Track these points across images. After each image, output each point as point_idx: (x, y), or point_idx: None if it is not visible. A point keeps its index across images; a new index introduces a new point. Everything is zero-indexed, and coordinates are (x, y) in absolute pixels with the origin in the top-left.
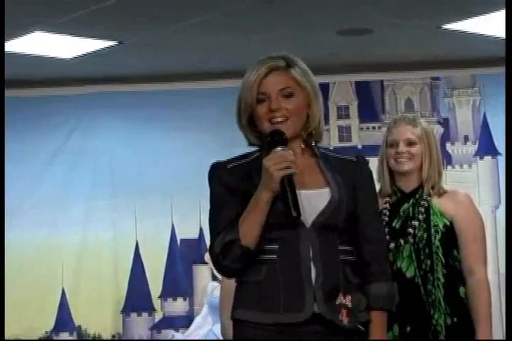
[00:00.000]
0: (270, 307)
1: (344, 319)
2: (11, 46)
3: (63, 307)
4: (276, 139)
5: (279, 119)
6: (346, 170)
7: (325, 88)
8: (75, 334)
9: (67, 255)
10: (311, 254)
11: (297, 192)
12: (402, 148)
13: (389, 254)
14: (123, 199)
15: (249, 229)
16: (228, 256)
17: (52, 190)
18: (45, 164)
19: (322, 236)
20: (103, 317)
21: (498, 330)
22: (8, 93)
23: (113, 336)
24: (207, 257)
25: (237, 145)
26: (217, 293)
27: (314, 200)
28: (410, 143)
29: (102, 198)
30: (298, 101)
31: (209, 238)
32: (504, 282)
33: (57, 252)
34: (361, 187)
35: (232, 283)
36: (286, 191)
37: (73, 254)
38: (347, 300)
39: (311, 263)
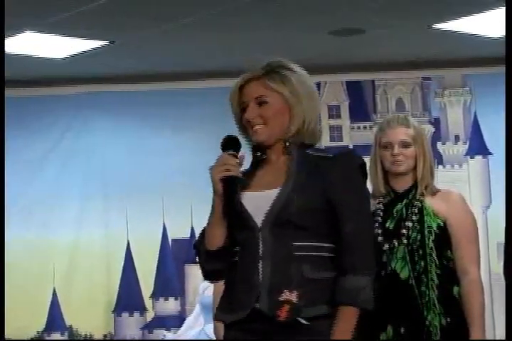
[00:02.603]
0: (230, 306)
1: (282, 314)
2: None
3: (55, 307)
4: (226, 144)
5: (257, 127)
6: (319, 167)
7: (316, 88)
8: (66, 334)
9: (59, 255)
10: (260, 253)
11: (243, 193)
12: (397, 150)
13: (382, 255)
14: (115, 199)
15: (208, 231)
16: (199, 257)
17: (44, 190)
18: (37, 164)
19: (275, 235)
20: (94, 317)
21: (489, 330)
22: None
23: (104, 336)
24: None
25: None
26: (209, 292)
27: (260, 201)
28: (405, 145)
29: (93, 198)
30: (273, 107)
31: None
32: (495, 282)
33: (48, 252)
34: (336, 183)
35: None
36: (227, 193)
37: (65, 254)
38: (293, 296)
39: (260, 262)
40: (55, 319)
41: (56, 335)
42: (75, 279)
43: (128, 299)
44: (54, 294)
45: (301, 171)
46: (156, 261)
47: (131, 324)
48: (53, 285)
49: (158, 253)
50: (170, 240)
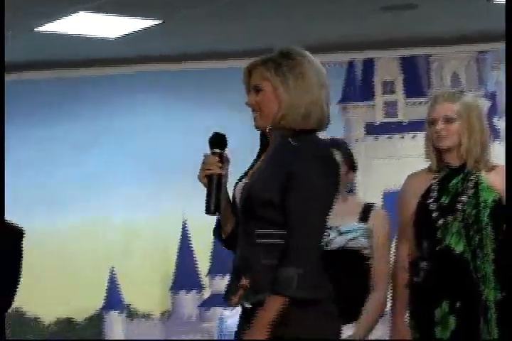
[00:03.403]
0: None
1: (234, 299)
2: (56, 26)
3: (113, 286)
4: (212, 142)
5: (254, 114)
6: (285, 157)
7: (370, 64)
8: (124, 312)
9: (116, 234)
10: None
11: (239, 183)
12: (440, 125)
13: (437, 230)
14: (170, 178)
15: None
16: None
17: (98, 171)
18: (90, 145)
19: (244, 223)
20: (152, 296)
21: None
22: (52, 74)
23: (162, 314)
24: None
25: None
26: None
27: (239, 191)
28: (448, 121)
29: (148, 178)
30: (265, 94)
31: None
32: None
33: (106, 232)
34: (293, 174)
35: None
36: (208, 190)
37: (122, 233)
38: (247, 282)
39: (238, 248)
40: (113, 297)
41: (114, 314)
42: (133, 258)
43: (185, 277)
44: (112, 273)
45: (270, 160)
46: (212, 239)
47: (188, 302)
48: (111, 264)
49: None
50: None
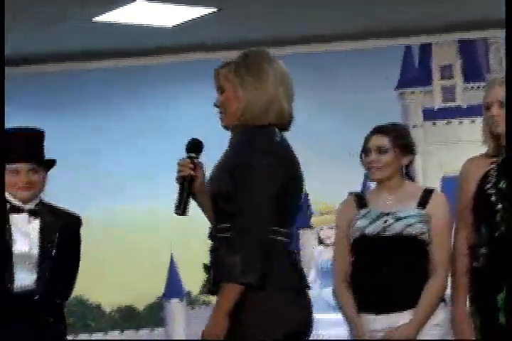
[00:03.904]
0: None
1: (205, 291)
2: (114, 16)
3: (173, 273)
4: (188, 147)
5: (220, 114)
6: (239, 151)
7: (427, 49)
8: (184, 299)
9: (175, 220)
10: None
11: None
12: (496, 110)
13: (496, 216)
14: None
15: None
16: None
17: (159, 159)
18: (141, 132)
19: (215, 218)
20: None
21: None
22: (110, 63)
23: None
24: (313, 221)
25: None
26: (325, 256)
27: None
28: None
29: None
30: (226, 94)
31: (312, 203)
32: None
33: (165, 219)
34: (242, 166)
35: (345, 246)
36: (179, 191)
37: (181, 220)
38: (211, 275)
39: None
40: (173, 285)
41: (175, 301)
42: (192, 245)
43: None
44: (172, 260)
45: (227, 155)
46: None
47: None
48: (171, 251)
49: None
50: None
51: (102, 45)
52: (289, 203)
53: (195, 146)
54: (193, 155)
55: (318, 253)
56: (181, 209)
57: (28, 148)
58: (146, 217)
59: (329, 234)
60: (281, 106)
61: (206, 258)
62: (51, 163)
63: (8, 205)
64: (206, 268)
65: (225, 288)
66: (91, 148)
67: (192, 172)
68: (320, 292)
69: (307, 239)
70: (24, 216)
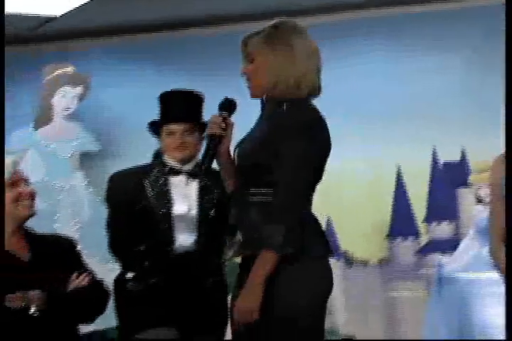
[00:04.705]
0: None
1: (228, 253)
2: None
3: (330, 233)
4: (221, 105)
5: (248, 82)
6: (275, 122)
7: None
8: (342, 259)
9: (330, 182)
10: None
11: None
12: None
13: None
14: (383, 121)
15: None
16: None
17: None
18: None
19: (241, 183)
20: (368, 243)
21: None
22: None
23: (380, 261)
24: (471, 179)
25: None
26: (483, 215)
27: (237, 154)
28: None
29: (356, 122)
30: (256, 64)
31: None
32: None
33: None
34: (281, 137)
35: (501, 205)
36: (206, 149)
37: (335, 181)
38: (239, 237)
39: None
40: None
41: (332, 261)
42: (348, 206)
43: (401, 224)
44: (329, 221)
45: (262, 126)
46: (428, 185)
47: (405, 249)
48: (327, 212)
49: (429, 176)
50: (441, 163)
51: None
52: (323, 172)
53: (228, 105)
54: (225, 113)
55: (476, 211)
56: (204, 167)
57: (182, 109)
58: None
59: (488, 193)
60: (313, 80)
61: (361, 218)
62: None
63: (167, 167)
64: (233, 228)
65: (263, 256)
66: None
67: (222, 132)
68: (479, 251)
69: (465, 198)
70: (182, 177)
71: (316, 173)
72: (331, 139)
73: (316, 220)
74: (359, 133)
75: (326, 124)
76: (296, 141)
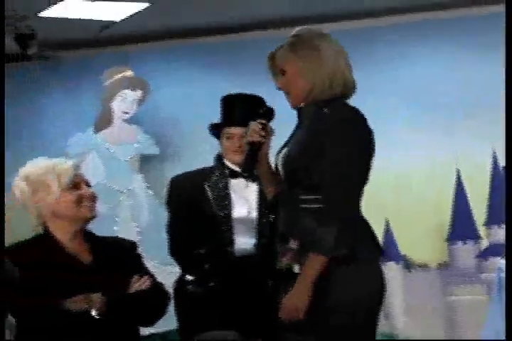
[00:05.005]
0: None
1: (284, 261)
2: None
3: (388, 237)
4: (259, 113)
5: (286, 96)
6: (317, 125)
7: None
8: (401, 263)
9: (388, 183)
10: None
11: None
12: None
13: None
14: (442, 123)
15: None
16: None
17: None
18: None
19: (289, 189)
20: (428, 246)
21: None
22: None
23: (439, 265)
24: None
25: None
26: None
27: (280, 160)
28: None
29: (420, 122)
30: (288, 75)
31: None
32: None
33: (378, 180)
34: (325, 139)
35: None
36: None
37: (393, 183)
38: (295, 244)
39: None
40: (389, 249)
41: (391, 264)
42: (406, 208)
43: (461, 227)
44: (387, 224)
45: (305, 129)
46: (488, 188)
47: (466, 252)
48: (386, 216)
49: (489, 179)
50: (501, 166)
51: None
52: (369, 172)
53: (267, 113)
54: (263, 121)
55: None
56: (246, 174)
57: (242, 113)
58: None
59: None
60: (345, 76)
61: (420, 221)
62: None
63: (227, 170)
64: (283, 237)
65: (313, 259)
66: None
67: (262, 139)
68: None
69: None
70: (241, 180)
71: (364, 174)
72: (376, 138)
73: (365, 222)
74: (420, 135)
75: (366, 122)
76: (341, 142)
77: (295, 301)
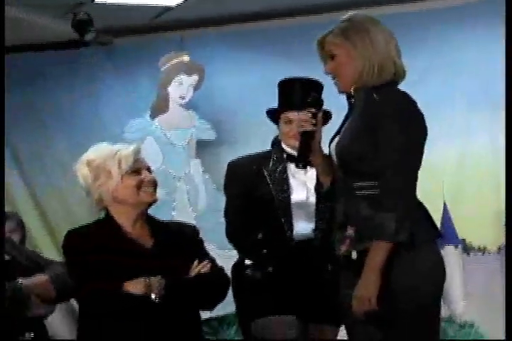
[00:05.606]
0: None
1: (342, 248)
2: None
3: (447, 221)
4: (308, 102)
5: (334, 80)
6: (370, 112)
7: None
8: (459, 246)
9: (448, 169)
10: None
11: None
12: None
13: None
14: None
15: None
16: None
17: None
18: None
19: (344, 177)
20: (486, 230)
21: None
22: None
23: (498, 248)
24: None
25: None
26: None
27: (333, 148)
28: None
29: (482, 109)
30: (338, 59)
31: None
32: None
33: (438, 166)
34: (378, 127)
35: None
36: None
37: (453, 167)
38: (352, 231)
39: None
40: (447, 232)
41: (450, 248)
42: (466, 193)
43: None
44: (445, 208)
45: (357, 116)
46: None
47: None
48: (444, 200)
49: None
50: None
51: None
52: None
53: (316, 102)
54: (313, 110)
55: None
56: (301, 164)
57: (300, 98)
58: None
59: None
60: (395, 63)
61: (479, 205)
62: (326, 115)
63: (285, 155)
64: (342, 223)
65: (376, 246)
66: None
67: (314, 128)
68: None
69: None
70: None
71: (420, 158)
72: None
73: (422, 205)
74: (481, 121)
75: (418, 107)
76: (396, 127)
77: (364, 292)
